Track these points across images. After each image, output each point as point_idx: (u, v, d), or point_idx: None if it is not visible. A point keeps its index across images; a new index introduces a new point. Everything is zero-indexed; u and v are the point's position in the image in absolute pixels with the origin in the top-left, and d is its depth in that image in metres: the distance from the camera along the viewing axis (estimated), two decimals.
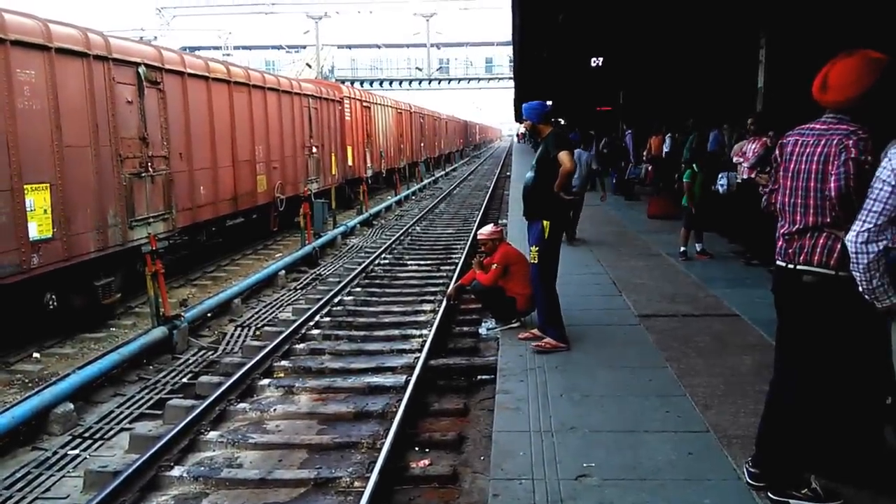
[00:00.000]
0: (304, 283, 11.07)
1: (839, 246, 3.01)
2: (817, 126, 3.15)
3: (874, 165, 2.87)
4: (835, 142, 3.01)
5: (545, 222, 5.65)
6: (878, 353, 3.07)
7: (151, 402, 6.24)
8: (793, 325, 3.25)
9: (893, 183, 2.70)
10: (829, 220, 3.05)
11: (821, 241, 3.07)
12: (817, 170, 3.07)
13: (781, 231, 3.23)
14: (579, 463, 3.75)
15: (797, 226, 3.14)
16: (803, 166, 3.13)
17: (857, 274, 2.82)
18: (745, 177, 8.78)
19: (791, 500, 3.23)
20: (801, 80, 3.75)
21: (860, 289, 2.84)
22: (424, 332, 7.48)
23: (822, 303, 3.09)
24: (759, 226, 7.91)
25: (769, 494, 3.29)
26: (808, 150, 3.13)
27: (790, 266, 3.17)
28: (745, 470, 3.48)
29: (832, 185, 2.98)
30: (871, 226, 2.75)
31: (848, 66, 3.03)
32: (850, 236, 2.81)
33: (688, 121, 15.29)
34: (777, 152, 3.37)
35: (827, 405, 3.24)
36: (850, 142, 2.96)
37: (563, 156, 5.46)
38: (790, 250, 3.17)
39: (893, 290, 2.80)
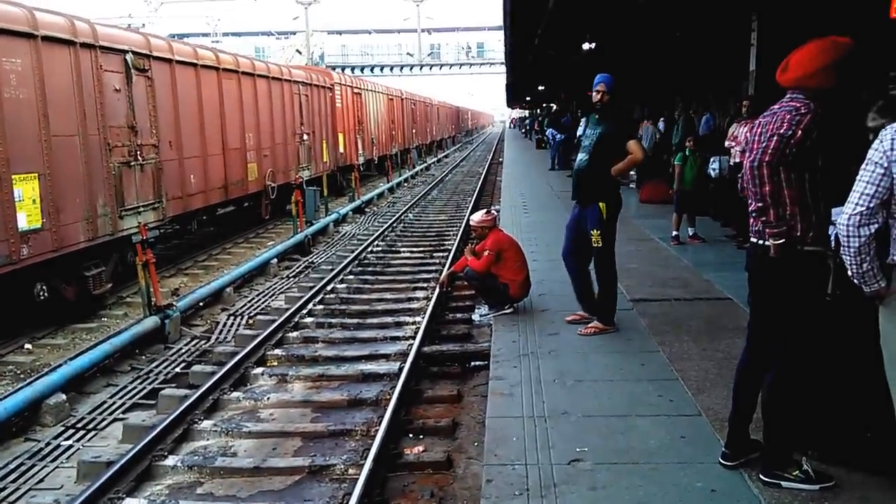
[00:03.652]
0: (297, 271, 11.04)
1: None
2: (775, 106, 3.25)
3: (818, 141, 3.00)
4: (778, 118, 3.11)
5: (602, 204, 5.54)
6: (856, 333, 3.12)
7: (144, 392, 6.22)
8: (763, 301, 3.34)
9: (885, 164, 2.70)
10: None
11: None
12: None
13: (749, 209, 3.28)
14: (572, 447, 3.76)
15: (756, 204, 3.19)
16: (755, 146, 3.18)
17: (847, 258, 2.81)
18: (737, 160, 8.79)
19: (782, 483, 3.25)
20: None
21: (849, 273, 2.84)
22: (417, 319, 7.48)
23: (786, 276, 3.16)
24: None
25: (760, 476, 3.32)
26: (760, 129, 3.21)
27: (760, 242, 3.24)
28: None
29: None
30: (863, 208, 2.74)
31: (809, 47, 3.16)
32: (842, 219, 2.80)
33: (678, 104, 15.26)
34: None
35: (807, 385, 3.27)
36: (788, 116, 3.05)
37: (634, 145, 5.42)
38: (756, 227, 3.25)
39: (881, 275, 2.80)
